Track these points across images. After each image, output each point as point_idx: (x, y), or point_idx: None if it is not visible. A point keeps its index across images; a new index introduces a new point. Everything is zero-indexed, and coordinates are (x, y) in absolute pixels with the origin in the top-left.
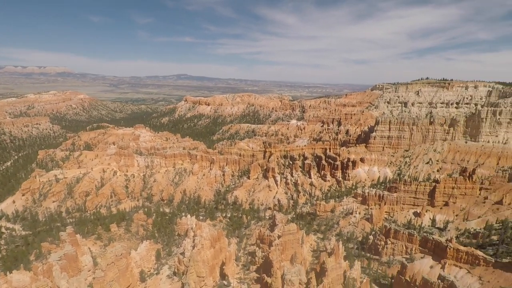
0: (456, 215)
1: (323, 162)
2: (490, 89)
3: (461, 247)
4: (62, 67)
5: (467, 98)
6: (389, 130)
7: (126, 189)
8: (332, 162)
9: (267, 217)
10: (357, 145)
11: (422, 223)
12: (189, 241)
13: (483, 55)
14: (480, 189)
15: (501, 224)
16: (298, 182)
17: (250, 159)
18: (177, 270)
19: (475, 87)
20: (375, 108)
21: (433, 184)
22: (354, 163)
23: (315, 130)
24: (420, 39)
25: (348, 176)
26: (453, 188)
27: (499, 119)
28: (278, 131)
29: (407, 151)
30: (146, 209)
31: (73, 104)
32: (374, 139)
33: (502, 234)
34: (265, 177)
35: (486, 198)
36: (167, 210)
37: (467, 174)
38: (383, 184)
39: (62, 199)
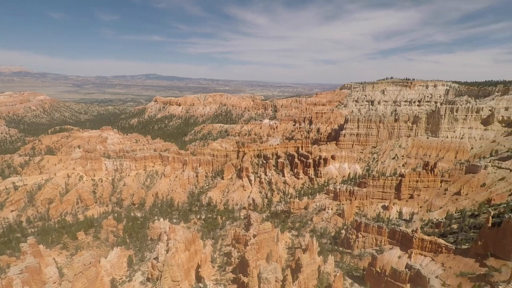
0: (421, 207)
1: (296, 160)
2: (448, 88)
3: (426, 237)
4: (18, 66)
5: (427, 97)
6: (358, 127)
7: (94, 194)
8: (305, 160)
9: (242, 217)
10: (328, 143)
11: (390, 215)
12: (163, 245)
13: (441, 56)
14: (441, 181)
15: (460, 213)
16: (272, 180)
17: (224, 159)
18: (150, 276)
19: (435, 86)
20: (344, 106)
21: (399, 178)
22: (325, 160)
23: (287, 129)
24: (384, 41)
25: (320, 173)
26: (417, 181)
27: (456, 115)
28: (251, 131)
29: (374, 147)
30: (116, 215)
31: (32, 105)
32: (344, 136)
33: (461, 222)
34: (239, 177)
35: (446, 189)
36: (139, 215)
37: (429, 168)
38: (353, 180)
39: (22, 207)
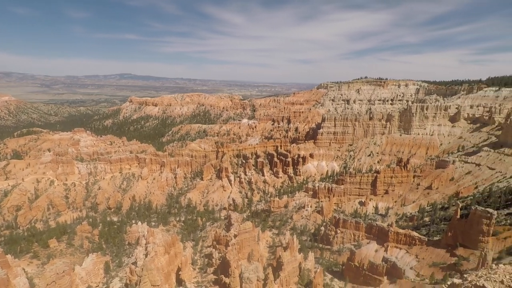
0: (395, 202)
1: (275, 159)
2: (418, 87)
3: (400, 230)
4: None
5: (400, 95)
6: (335, 126)
7: (67, 199)
8: (284, 159)
9: (223, 218)
10: (306, 141)
11: (367, 211)
12: (141, 249)
13: (411, 56)
14: (414, 176)
15: (431, 206)
16: (252, 180)
17: (203, 160)
18: (129, 282)
19: (406, 85)
20: (321, 105)
21: (375, 174)
22: (304, 159)
23: (266, 129)
24: (358, 41)
25: (299, 171)
26: (391, 177)
27: (426, 113)
28: (230, 131)
29: (351, 145)
30: (91, 220)
31: None
32: (322, 135)
33: (432, 215)
34: (219, 177)
35: (418, 184)
36: (115, 219)
37: (403, 164)
38: (331, 178)
39: None
